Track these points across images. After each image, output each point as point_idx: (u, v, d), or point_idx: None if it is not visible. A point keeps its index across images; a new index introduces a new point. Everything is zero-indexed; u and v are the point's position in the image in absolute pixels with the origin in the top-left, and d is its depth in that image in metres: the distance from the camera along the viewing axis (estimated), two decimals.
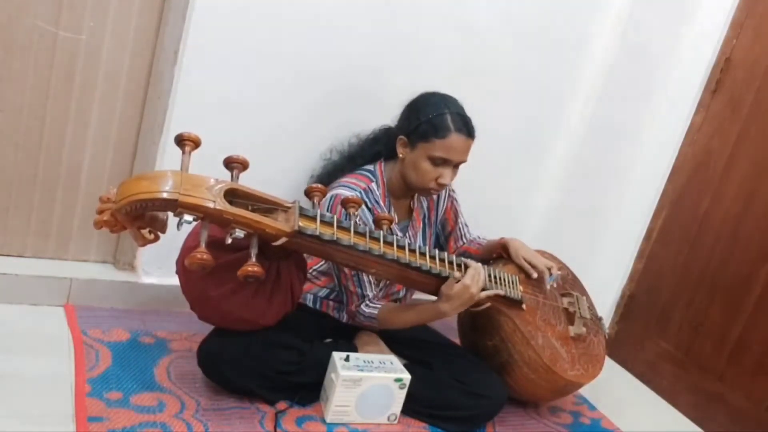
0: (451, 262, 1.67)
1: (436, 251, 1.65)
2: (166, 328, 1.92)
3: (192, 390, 1.65)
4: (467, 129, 1.76)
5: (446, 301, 1.65)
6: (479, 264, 1.70)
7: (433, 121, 1.74)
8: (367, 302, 1.78)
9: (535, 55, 2.32)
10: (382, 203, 1.84)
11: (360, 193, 1.78)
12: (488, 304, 1.79)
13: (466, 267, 1.68)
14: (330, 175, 1.89)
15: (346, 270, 1.75)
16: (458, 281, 1.64)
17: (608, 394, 2.18)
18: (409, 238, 1.92)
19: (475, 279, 1.65)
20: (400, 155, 1.81)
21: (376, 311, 1.77)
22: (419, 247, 1.61)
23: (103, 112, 1.91)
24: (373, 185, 1.83)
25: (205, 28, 1.82)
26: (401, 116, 1.83)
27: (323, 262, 1.85)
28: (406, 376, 1.70)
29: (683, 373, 2.28)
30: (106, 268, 2.03)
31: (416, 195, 1.94)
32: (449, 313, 1.68)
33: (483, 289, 1.69)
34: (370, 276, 1.76)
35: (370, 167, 1.87)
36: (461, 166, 1.81)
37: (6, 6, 1.72)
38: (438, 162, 1.75)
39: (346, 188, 1.77)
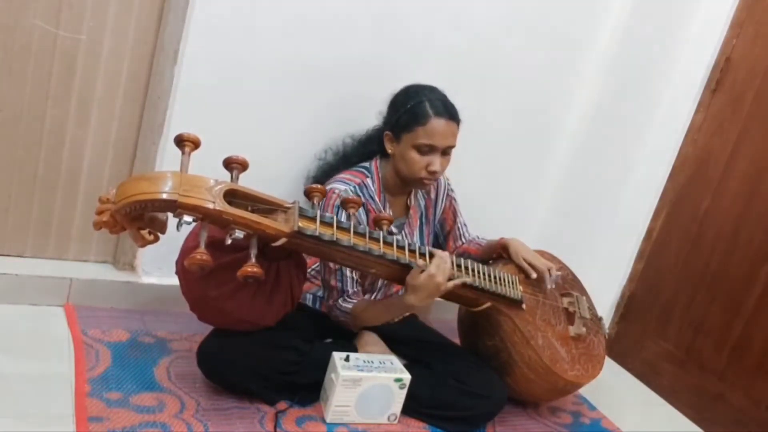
0: (413, 251, 1.60)
1: (417, 243, 1.62)
2: (166, 328, 1.92)
3: (192, 390, 1.65)
4: (448, 112, 1.75)
5: (412, 292, 1.60)
6: (446, 252, 1.64)
7: (412, 110, 1.74)
8: (345, 297, 1.78)
9: (536, 55, 2.32)
10: (376, 199, 1.84)
11: (354, 187, 1.79)
12: (488, 304, 1.80)
13: (431, 255, 1.63)
14: (326, 175, 1.90)
15: (331, 265, 1.75)
16: (423, 271, 1.59)
17: (608, 394, 2.18)
18: (405, 236, 1.92)
19: (441, 268, 1.59)
20: (389, 151, 1.82)
21: (350, 306, 1.77)
22: (409, 244, 1.60)
23: (103, 112, 1.91)
24: (368, 181, 1.83)
25: (205, 28, 1.82)
26: (385, 113, 1.84)
27: None
28: (406, 376, 1.70)
29: (683, 373, 2.28)
30: (106, 268, 2.03)
31: (413, 193, 1.94)
32: (417, 305, 1.62)
33: (450, 279, 1.63)
34: (354, 273, 1.76)
35: (366, 164, 1.88)
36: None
37: (6, 6, 1.72)
38: (424, 150, 1.75)
39: (341, 183, 1.78)
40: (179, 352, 1.81)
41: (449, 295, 1.68)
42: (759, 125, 2.17)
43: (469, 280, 1.69)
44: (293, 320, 1.69)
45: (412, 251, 1.60)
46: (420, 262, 1.59)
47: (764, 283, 2.08)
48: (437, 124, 1.73)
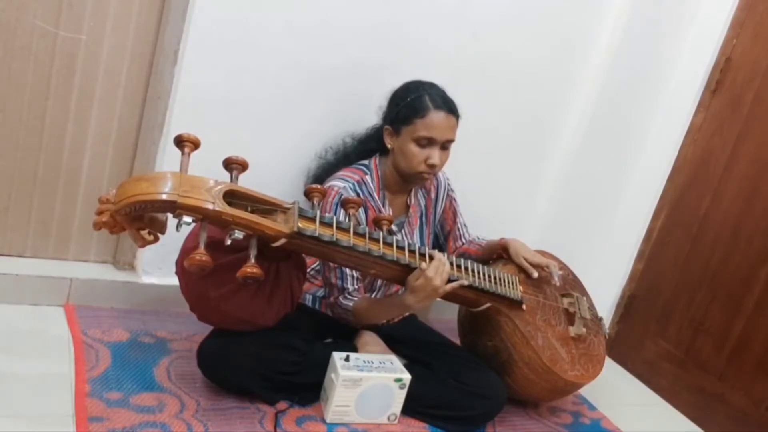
0: (413, 251, 1.59)
1: (417, 244, 1.62)
2: (166, 328, 1.92)
3: (192, 390, 1.66)
4: (447, 106, 1.76)
5: (411, 293, 1.61)
6: (444, 255, 1.64)
7: (412, 103, 1.75)
8: (346, 295, 1.78)
9: (536, 55, 2.32)
10: (375, 196, 1.84)
11: (353, 185, 1.79)
12: (488, 305, 1.80)
13: (431, 258, 1.62)
14: (326, 173, 1.90)
15: (331, 263, 1.75)
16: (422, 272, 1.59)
17: (608, 394, 2.18)
18: (405, 235, 1.92)
19: (438, 270, 1.59)
20: (389, 145, 1.82)
21: (351, 303, 1.77)
22: (409, 244, 1.59)
23: (103, 112, 1.91)
24: (368, 178, 1.84)
25: (205, 28, 1.82)
26: (385, 108, 1.86)
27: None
28: (406, 376, 1.70)
29: (683, 373, 2.28)
30: (106, 268, 2.03)
31: (413, 191, 1.94)
32: (415, 306, 1.63)
33: (449, 281, 1.63)
34: (354, 271, 1.76)
35: (366, 162, 1.88)
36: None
37: (6, 6, 1.72)
38: (423, 143, 1.75)
39: (340, 180, 1.79)
40: (179, 352, 1.81)
41: (449, 296, 1.68)
42: (759, 125, 2.17)
43: (467, 282, 1.69)
44: (293, 320, 1.69)
45: (412, 251, 1.60)
46: (423, 265, 1.60)
47: (764, 283, 2.08)
48: (436, 116, 1.74)
